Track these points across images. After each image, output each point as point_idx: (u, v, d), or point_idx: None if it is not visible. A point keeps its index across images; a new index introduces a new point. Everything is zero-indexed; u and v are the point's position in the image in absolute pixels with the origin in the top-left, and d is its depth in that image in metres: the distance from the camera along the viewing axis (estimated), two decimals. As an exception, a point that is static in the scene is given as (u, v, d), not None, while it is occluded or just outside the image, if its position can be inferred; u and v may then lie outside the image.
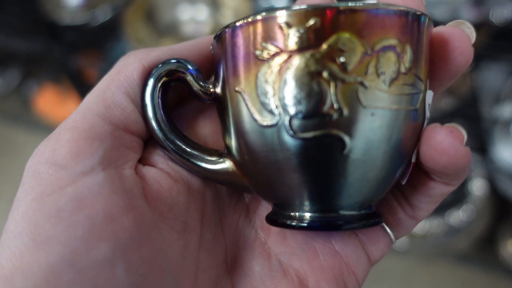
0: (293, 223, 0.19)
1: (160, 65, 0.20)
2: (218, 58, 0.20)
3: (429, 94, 0.20)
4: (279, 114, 0.17)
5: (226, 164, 0.20)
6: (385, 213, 0.22)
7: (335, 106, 0.16)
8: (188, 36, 0.93)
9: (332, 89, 0.16)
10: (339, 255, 0.22)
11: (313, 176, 0.18)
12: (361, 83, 0.16)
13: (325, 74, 0.16)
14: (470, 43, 0.19)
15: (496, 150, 0.79)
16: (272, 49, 0.17)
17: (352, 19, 0.16)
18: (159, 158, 0.21)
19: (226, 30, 0.18)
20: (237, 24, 0.18)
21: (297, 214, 0.19)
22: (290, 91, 0.16)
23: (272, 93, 0.17)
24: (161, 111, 0.20)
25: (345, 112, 0.16)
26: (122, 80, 0.20)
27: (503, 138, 0.77)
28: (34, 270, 0.15)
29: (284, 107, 0.17)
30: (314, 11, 0.16)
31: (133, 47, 0.87)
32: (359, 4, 0.16)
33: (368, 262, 0.22)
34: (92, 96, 0.20)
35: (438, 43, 0.19)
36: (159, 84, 0.20)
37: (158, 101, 0.20)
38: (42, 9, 0.93)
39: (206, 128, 0.23)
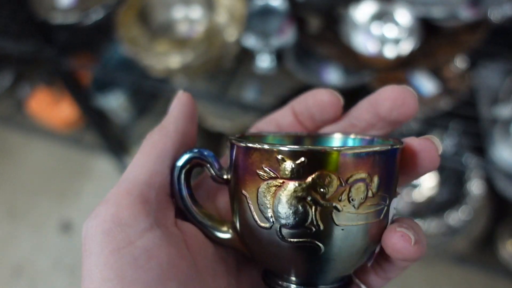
0: None
1: (183, 156, 0.26)
2: (231, 155, 0.25)
3: (395, 201, 0.25)
4: (273, 222, 0.23)
5: (231, 236, 0.26)
6: (361, 277, 0.27)
7: (314, 223, 0.22)
8: (182, 36, 0.91)
9: (313, 211, 0.22)
10: None
11: (297, 265, 0.24)
12: (335, 207, 0.22)
13: (308, 199, 0.22)
14: (438, 153, 0.24)
15: (495, 150, 0.78)
16: (271, 174, 0.22)
17: (331, 160, 0.21)
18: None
19: (238, 145, 0.24)
20: (246, 144, 0.23)
21: (284, 283, 0.25)
22: (282, 207, 0.22)
23: (269, 206, 0.23)
24: (185, 190, 0.26)
25: (321, 227, 0.22)
26: (158, 152, 0.25)
27: (503, 138, 0.76)
28: None
29: (277, 218, 0.22)
30: (303, 152, 0.21)
31: (125, 47, 0.86)
32: (337, 148, 0.21)
33: None
34: (135, 166, 0.25)
35: (409, 153, 0.24)
36: (183, 170, 0.26)
37: (183, 182, 0.26)
38: (33, 9, 0.92)
39: (222, 200, 0.29)
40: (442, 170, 1.05)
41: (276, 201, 0.22)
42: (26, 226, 1.38)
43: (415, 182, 1.06)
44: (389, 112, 0.26)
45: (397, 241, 0.22)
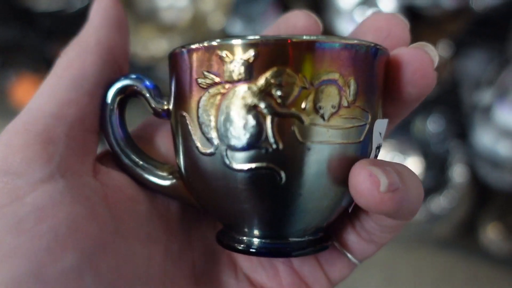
0: (241, 247, 0.19)
1: (117, 82, 0.21)
2: (170, 76, 0.20)
3: (381, 123, 0.19)
4: (217, 144, 0.17)
5: (175, 181, 0.21)
6: (341, 236, 0.22)
7: (271, 140, 0.16)
8: (168, 23, 0.91)
9: (268, 123, 0.16)
10: (298, 274, 0.22)
11: (254, 205, 0.18)
12: (298, 117, 0.16)
13: (262, 107, 0.16)
14: (432, 66, 0.19)
15: (476, 136, 0.80)
16: (213, 78, 0.17)
17: (291, 52, 0.16)
18: None
19: (176, 51, 0.19)
20: (185, 48, 0.18)
21: (245, 238, 0.19)
22: (227, 122, 0.16)
23: (211, 122, 0.17)
24: (119, 128, 0.21)
25: (280, 146, 0.16)
26: (74, 73, 0.19)
27: (483, 123, 0.78)
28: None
29: (221, 138, 0.17)
30: (251, 43, 0.16)
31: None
32: (299, 37, 0.16)
33: (328, 282, 0.22)
34: (42, 94, 0.19)
35: (396, 67, 0.19)
36: (116, 100, 0.20)
37: (115, 116, 0.20)
38: (16, -5, 0.91)
39: (166, 143, 0.23)
40: (426, 156, 1.07)
41: (220, 114, 0.17)
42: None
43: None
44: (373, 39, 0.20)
45: (362, 180, 0.17)
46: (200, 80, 0.17)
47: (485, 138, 0.78)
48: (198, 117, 0.18)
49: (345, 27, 0.81)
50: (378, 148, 0.20)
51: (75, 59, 0.20)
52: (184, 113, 0.18)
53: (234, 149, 0.17)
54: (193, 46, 0.18)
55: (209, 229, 0.23)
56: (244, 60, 0.16)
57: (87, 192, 0.18)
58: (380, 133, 0.20)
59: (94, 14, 0.22)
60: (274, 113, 0.16)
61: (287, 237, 0.19)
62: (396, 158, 1.06)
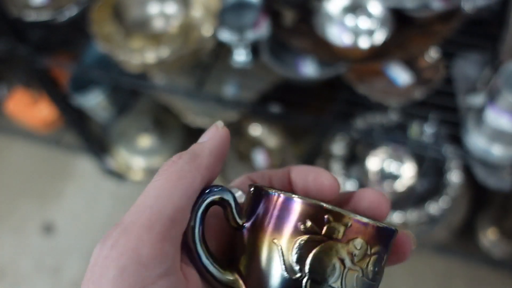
0: None
1: (204, 195, 0.25)
2: (254, 204, 0.25)
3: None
4: (304, 273, 0.23)
5: (234, 279, 0.25)
6: None
7: (340, 282, 0.23)
8: (158, 31, 0.91)
9: (343, 271, 0.23)
10: None
11: None
12: (361, 271, 0.24)
13: (340, 259, 0.23)
14: (386, 202, 0.27)
15: (469, 139, 0.79)
16: (315, 229, 0.23)
17: (367, 231, 0.24)
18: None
19: (276, 193, 0.25)
20: (293, 197, 0.24)
21: None
22: (318, 262, 0.23)
23: (305, 259, 0.23)
24: (200, 230, 0.25)
25: (345, 287, 0.23)
26: (187, 186, 0.23)
27: (476, 126, 0.77)
28: None
29: (310, 271, 0.23)
30: (349, 217, 0.23)
31: (100, 44, 0.85)
32: (370, 221, 0.24)
33: None
34: (161, 197, 0.22)
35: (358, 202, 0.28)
36: (200, 211, 0.25)
37: (200, 224, 0.25)
38: (5, 7, 0.90)
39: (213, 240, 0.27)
40: (422, 160, 1.06)
41: (315, 257, 0.23)
42: (8, 229, 1.37)
43: (395, 172, 1.07)
44: (366, 210, 0.27)
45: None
46: (302, 226, 0.23)
47: (479, 141, 0.78)
48: (292, 250, 0.23)
49: (335, 32, 0.81)
50: None
51: (189, 174, 0.23)
52: (277, 242, 0.24)
53: (315, 281, 0.23)
54: (301, 199, 0.24)
55: None
56: (342, 226, 0.23)
57: (182, 285, 0.22)
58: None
59: (211, 137, 0.25)
60: (349, 266, 0.23)
61: None
62: (392, 164, 1.06)
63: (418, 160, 1.05)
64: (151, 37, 0.86)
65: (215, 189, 0.25)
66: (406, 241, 0.26)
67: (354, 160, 1.08)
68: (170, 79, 1.01)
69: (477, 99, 0.78)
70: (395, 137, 0.99)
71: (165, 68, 0.88)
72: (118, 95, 1.22)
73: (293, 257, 0.23)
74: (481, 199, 1.11)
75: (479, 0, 0.80)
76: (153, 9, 0.92)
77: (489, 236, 1.12)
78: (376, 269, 0.25)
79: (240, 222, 0.26)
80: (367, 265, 0.24)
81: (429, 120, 0.93)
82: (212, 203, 0.25)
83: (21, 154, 1.51)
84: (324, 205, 0.24)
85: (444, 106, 0.86)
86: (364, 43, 0.80)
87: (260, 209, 0.25)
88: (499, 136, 0.74)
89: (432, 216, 1.01)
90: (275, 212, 0.24)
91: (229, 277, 0.25)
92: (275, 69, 0.86)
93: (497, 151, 0.76)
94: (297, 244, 0.23)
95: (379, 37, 0.79)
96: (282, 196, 0.24)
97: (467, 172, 0.99)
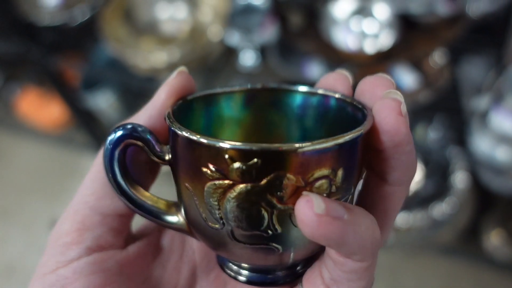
0: (233, 274, 0.23)
1: (113, 134, 0.22)
2: (170, 136, 0.22)
3: (360, 185, 0.22)
4: (223, 223, 0.20)
5: (180, 220, 0.23)
6: (310, 284, 0.23)
7: (271, 227, 0.19)
8: (167, 35, 0.93)
9: (269, 215, 0.19)
10: None
11: (251, 264, 0.22)
12: (294, 210, 0.18)
13: (264, 205, 0.19)
14: (398, 110, 0.20)
15: (474, 142, 0.80)
16: (218, 175, 0.19)
17: (289, 160, 0.18)
18: (149, 233, 0.26)
19: (178, 132, 0.20)
20: (190, 137, 0.19)
21: (234, 268, 0.24)
22: (232, 211, 0.19)
23: (217, 207, 0.20)
24: (119, 174, 0.23)
25: (279, 230, 0.19)
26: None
27: (480, 129, 0.78)
28: None
29: (227, 221, 0.20)
30: (255, 152, 0.18)
31: (111, 46, 0.87)
32: (295, 146, 0.18)
33: None
34: (85, 188, 0.24)
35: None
36: (116, 153, 0.22)
37: (116, 165, 0.23)
38: (19, 10, 0.93)
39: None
40: (427, 163, 1.07)
41: (226, 204, 0.19)
42: (18, 226, 1.39)
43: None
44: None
45: (301, 206, 0.18)
46: (205, 171, 0.19)
47: (483, 144, 0.78)
48: (204, 198, 0.20)
49: (341, 36, 0.82)
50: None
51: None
52: (189, 186, 0.20)
53: (239, 230, 0.20)
54: (196, 139, 0.19)
55: None
56: (249, 165, 0.18)
57: (106, 265, 0.23)
58: (358, 190, 0.23)
59: (161, 92, 0.25)
60: (274, 208, 0.19)
61: (271, 273, 0.23)
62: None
63: (423, 163, 1.06)
64: (161, 40, 0.88)
65: (124, 126, 0.22)
66: (386, 107, 0.20)
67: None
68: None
69: (482, 103, 0.79)
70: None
71: (174, 71, 0.90)
72: (127, 97, 1.24)
73: (206, 205, 0.20)
74: (485, 202, 1.12)
75: (484, 5, 0.81)
76: (163, 12, 0.93)
77: (493, 239, 1.12)
78: (328, 193, 0.19)
79: (163, 157, 0.22)
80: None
81: (434, 123, 0.93)
82: (123, 142, 0.22)
83: (32, 153, 1.54)
84: (224, 144, 0.18)
85: (449, 109, 0.87)
86: (369, 48, 0.81)
87: (173, 145, 0.21)
88: (504, 139, 0.74)
89: (436, 218, 1.01)
90: (181, 152, 0.20)
91: (172, 214, 0.23)
92: (282, 72, 0.88)
93: (501, 154, 0.77)
94: (205, 192, 0.19)
95: (385, 41, 0.80)
96: (178, 133, 0.20)
97: (472, 175, 1.00)
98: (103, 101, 1.20)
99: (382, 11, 0.81)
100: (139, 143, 0.22)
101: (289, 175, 0.18)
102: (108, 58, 1.07)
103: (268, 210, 0.19)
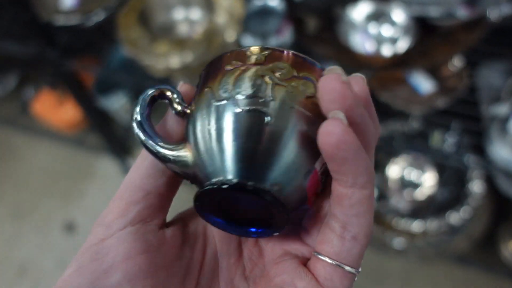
0: (215, 186, 0.25)
1: (148, 90, 0.28)
2: (201, 78, 0.27)
3: None
4: (231, 95, 0.25)
5: (183, 152, 0.26)
6: (325, 246, 0.24)
7: (269, 95, 0.24)
8: (182, 36, 0.92)
9: (269, 86, 0.24)
10: None
11: (244, 140, 0.24)
12: (289, 87, 0.24)
13: (266, 78, 0.25)
14: (338, 81, 0.22)
15: (493, 149, 0.78)
16: (237, 64, 0.25)
17: (289, 58, 0.25)
18: (180, 220, 0.29)
19: (216, 57, 0.27)
20: (224, 52, 0.26)
21: (220, 179, 0.25)
22: (242, 82, 0.25)
23: (230, 84, 0.25)
24: (146, 120, 0.27)
25: (273, 99, 0.24)
26: (151, 160, 0.27)
27: (500, 136, 0.76)
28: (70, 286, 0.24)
29: (236, 91, 0.24)
30: (267, 48, 0.26)
31: (126, 48, 0.87)
32: (289, 50, 0.26)
33: None
34: (131, 171, 0.27)
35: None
36: (147, 101, 0.28)
37: (145, 113, 0.27)
38: (35, 12, 0.93)
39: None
40: (444, 170, 1.05)
41: (239, 79, 0.25)
42: (31, 226, 1.40)
43: (416, 181, 1.06)
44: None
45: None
46: (227, 66, 0.25)
47: (502, 152, 0.77)
48: (219, 84, 0.25)
49: (359, 39, 0.81)
50: None
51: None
52: (208, 88, 0.25)
53: (243, 96, 0.24)
54: (230, 50, 0.26)
55: (238, 275, 0.29)
56: (262, 54, 0.25)
57: (147, 236, 0.26)
58: None
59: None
60: (274, 81, 0.24)
61: (260, 181, 0.24)
62: (413, 173, 1.05)
63: (439, 169, 1.05)
64: (175, 42, 0.87)
65: (154, 86, 0.28)
66: (328, 81, 0.22)
67: (374, 167, 1.07)
68: (192, 83, 1.02)
69: (502, 109, 0.77)
70: (417, 145, 0.99)
71: (189, 72, 0.89)
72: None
73: (220, 87, 0.25)
74: (503, 210, 1.10)
75: (505, 8, 0.79)
76: (178, 14, 0.93)
77: (510, 248, 1.10)
78: (311, 93, 0.25)
79: (185, 109, 0.27)
80: (298, 86, 0.24)
81: (452, 129, 0.92)
82: (155, 93, 0.28)
83: (46, 154, 1.55)
84: (247, 46, 0.26)
85: (467, 115, 0.85)
86: (387, 51, 0.80)
87: (201, 79, 0.27)
88: (524, 147, 0.73)
89: (452, 226, 1.00)
90: (210, 72, 0.26)
91: (181, 150, 0.26)
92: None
93: (521, 162, 0.75)
94: (223, 78, 0.25)
95: (402, 45, 0.79)
96: (216, 57, 0.26)
97: (490, 182, 0.98)
98: (116, 103, 1.20)
99: (400, 15, 0.80)
100: (168, 93, 0.28)
101: (288, 66, 0.25)
102: (122, 60, 1.07)
103: (269, 82, 0.24)
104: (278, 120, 0.24)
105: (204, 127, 0.25)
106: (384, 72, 0.84)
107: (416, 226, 1.01)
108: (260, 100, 0.24)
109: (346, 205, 0.23)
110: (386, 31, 0.81)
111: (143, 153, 0.27)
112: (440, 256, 1.12)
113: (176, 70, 0.86)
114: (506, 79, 0.85)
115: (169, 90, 0.28)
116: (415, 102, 0.86)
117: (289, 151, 0.24)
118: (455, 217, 1.00)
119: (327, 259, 0.24)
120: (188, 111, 0.27)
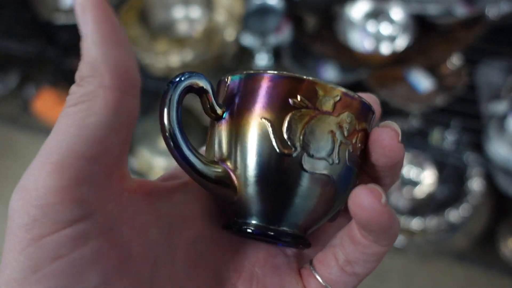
0: (250, 230, 0.24)
1: (180, 79, 0.23)
2: (236, 89, 0.24)
3: None
4: (299, 149, 0.23)
5: (221, 170, 0.24)
6: (325, 271, 0.24)
7: (335, 157, 0.23)
8: (182, 35, 0.93)
9: (337, 145, 0.23)
10: None
11: (303, 200, 0.24)
12: (350, 145, 0.23)
13: (336, 135, 0.23)
14: (397, 139, 0.23)
15: (492, 147, 0.78)
16: (307, 103, 0.23)
17: (354, 104, 0.24)
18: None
19: (264, 74, 0.24)
20: (279, 74, 0.23)
21: (256, 223, 0.24)
22: (313, 136, 0.23)
23: (298, 133, 0.23)
24: (178, 121, 0.23)
25: (338, 162, 0.23)
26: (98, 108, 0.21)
27: (498, 134, 0.76)
28: None
29: (304, 146, 0.23)
30: (339, 90, 0.23)
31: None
32: (356, 94, 0.24)
33: None
34: (68, 132, 0.20)
35: (372, 143, 0.24)
36: (176, 97, 0.23)
37: (177, 111, 0.23)
38: (36, 11, 0.94)
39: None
40: (443, 167, 1.05)
41: (308, 130, 0.23)
42: (32, 225, 1.40)
43: (415, 179, 1.07)
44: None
45: (364, 197, 0.20)
46: (294, 101, 0.23)
47: (501, 149, 0.77)
48: (283, 125, 0.23)
49: (357, 37, 0.81)
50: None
51: (92, 95, 0.20)
52: (266, 118, 0.23)
53: (311, 156, 0.23)
54: (291, 75, 0.23)
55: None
56: (332, 99, 0.23)
57: (109, 225, 0.20)
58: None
59: (93, 22, 0.20)
60: (341, 139, 0.23)
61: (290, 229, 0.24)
62: (412, 171, 1.05)
63: (439, 167, 1.05)
64: (175, 41, 0.88)
65: (193, 74, 0.23)
66: (386, 136, 0.23)
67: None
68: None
69: (500, 107, 0.77)
70: (416, 143, 0.99)
71: (188, 71, 0.90)
72: (141, 97, 1.25)
73: (285, 131, 0.23)
74: (502, 208, 1.10)
75: (504, 6, 0.79)
76: (178, 13, 0.94)
77: (510, 246, 1.10)
78: (363, 147, 0.24)
79: (219, 110, 0.24)
80: (356, 141, 0.24)
81: (451, 127, 0.92)
82: (188, 88, 0.23)
83: (47, 153, 1.55)
84: (313, 78, 0.23)
85: (466, 113, 0.86)
86: (386, 49, 0.80)
87: (244, 92, 0.24)
88: (522, 144, 0.73)
89: (452, 223, 1.00)
90: (263, 91, 0.23)
91: (217, 169, 0.24)
92: (297, 74, 0.87)
93: (519, 159, 0.75)
94: (289, 118, 0.23)
95: (401, 43, 0.79)
96: (269, 74, 0.24)
97: (489, 180, 0.98)
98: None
99: (398, 13, 0.80)
100: (201, 83, 0.24)
101: (353, 116, 0.23)
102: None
103: (337, 140, 0.23)
104: (338, 182, 0.24)
105: (257, 170, 0.23)
106: (383, 70, 0.84)
107: (416, 224, 1.01)
108: (329, 164, 0.23)
109: (360, 250, 0.23)
110: (385, 29, 0.81)
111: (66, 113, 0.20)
112: (440, 254, 1.12)
113: (176, 68, 0.87)
114: (505, 77, 0.85)
115: (203, 82, 0.24)
116: (414, 100, 0.86)
117: (336, 207, 0.25)
118: (454, 215, 1.00)
119: (321, 281, 0.24)
120: (222, 111, 0.24)
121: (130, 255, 0.21)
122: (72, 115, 0.20)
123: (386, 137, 0.23)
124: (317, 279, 0.24)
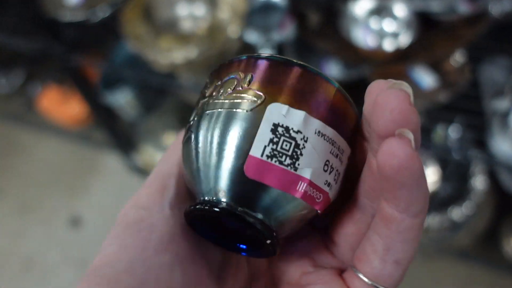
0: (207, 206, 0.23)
1: None
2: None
3: (277, 107, 0.22)
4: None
5: None
6: (367, 268, 0.23)
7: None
8: (186, 32, 0.93)
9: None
10: None
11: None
12: (208, 97, 0.24)
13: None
14: (408, 101, 0.19)
15: (495, 143, 0.78)
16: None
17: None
18: None
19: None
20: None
21: (210, 198, 0.23)
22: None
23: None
24: None
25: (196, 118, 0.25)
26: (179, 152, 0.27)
27: (502, 131, 0.77)
28: (119, 263, 0.22)
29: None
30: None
31: (131, 44, 0.88)
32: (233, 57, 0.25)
33: None
34: (161, 161, 0.28)
35: (378, 109, 0.20)
36: None
37: None
38: (41, 7, 0.94)
39: None
40: (446, 165, 1.05)
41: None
42: (37, 221, 1.41)
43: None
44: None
45: (394, 142, 0.19)
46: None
47: (504, 146, 0.77)
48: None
49: (360, 34, 0.81)
50: (277, 128, 0.22)
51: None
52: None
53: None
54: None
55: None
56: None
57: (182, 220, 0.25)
58: (284, 115, 0.22)
59: None
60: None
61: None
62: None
63: (442, 164, 1.05)
64: (179, 37, 0.88)
65: None
66: (394, 98, 0.20)
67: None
68: (197, 79, 1.03)
69: (503, 104, 0.78)
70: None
71: (193, 68, 0.90)
72: (146, 94, 1.26)
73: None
74: (506, 206, 1.10)
75: (507, 4, 0.79)
76: (182, 10, 0.94)
77: (514, 244, 1.10)
78: (232, 88, 0.24)
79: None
80: (219, 90, 0.24)
81: (454, 124, 0.92)
82: None
83: (52, 149, 1.56)
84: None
85: (469, 110, 0.86)
86: (389, 46, 0.80)
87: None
88: (525, 141, 0.73)
89: (455, 221, 1.00)
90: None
91: None
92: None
93: (522, 156, 0.75)
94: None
95: (404, 40, 0.79)
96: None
97: (492, 177, 0.98)
98: (121, 98, 1.21)
99: (402, 9, 0.80)
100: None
101: (212, 77, 0.26)
102: (127, 55, 1.08)
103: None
104: (199, 132, 0.24)
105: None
106: (386, 66, 0.84)
107: (419, 221, 1.01)
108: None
109: (394, 229, 0.21)
110: (388, 26, 0.82)
111: (172, 146, 0.28)
112: (443, 252, 1.12)
113: (180, 65, 0.87)
114: (508, 74, 0.85)
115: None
116: (417, 97, 0.86)
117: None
118: (457, 213, 1.00)
119: (365, 279, 0.23)
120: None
121: (196, 248, 0.25)
122: (171, 148, 0.29)
123: (393, 98, 0.19)
124: (361, 279, 0.23)
